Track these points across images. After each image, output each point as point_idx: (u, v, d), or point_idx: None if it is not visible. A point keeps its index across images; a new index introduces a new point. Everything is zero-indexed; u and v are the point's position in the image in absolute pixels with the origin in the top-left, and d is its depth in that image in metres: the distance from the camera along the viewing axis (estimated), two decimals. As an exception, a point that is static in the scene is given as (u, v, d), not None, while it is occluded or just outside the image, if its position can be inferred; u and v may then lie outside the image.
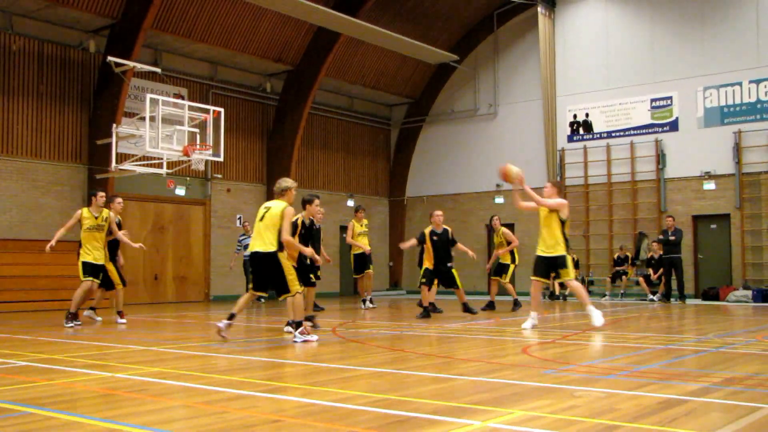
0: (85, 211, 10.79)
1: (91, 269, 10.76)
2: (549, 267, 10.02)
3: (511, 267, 14.55)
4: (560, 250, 9.83)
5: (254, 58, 19.61)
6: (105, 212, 10.90)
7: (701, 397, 4.73)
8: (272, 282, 8.27)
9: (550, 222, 9.90)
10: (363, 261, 15.04)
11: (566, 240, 9.99)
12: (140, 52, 16.43)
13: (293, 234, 9.87)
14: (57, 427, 3.97)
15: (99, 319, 11.55)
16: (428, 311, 12.39)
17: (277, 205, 8.29)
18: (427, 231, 12.72)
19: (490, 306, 14.28)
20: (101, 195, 10.92)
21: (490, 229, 22.96)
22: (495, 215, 15.14)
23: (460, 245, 13.00)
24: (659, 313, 13.78)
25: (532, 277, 10.15)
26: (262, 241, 8.20)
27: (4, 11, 15.58)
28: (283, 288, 8.21)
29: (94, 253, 10.76)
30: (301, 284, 9.21)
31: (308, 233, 10.17)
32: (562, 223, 9.94)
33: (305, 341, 8.17)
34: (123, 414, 4.35)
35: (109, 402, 4.78)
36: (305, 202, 9.93)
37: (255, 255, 8.27)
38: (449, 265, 12.62)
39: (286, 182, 8.56)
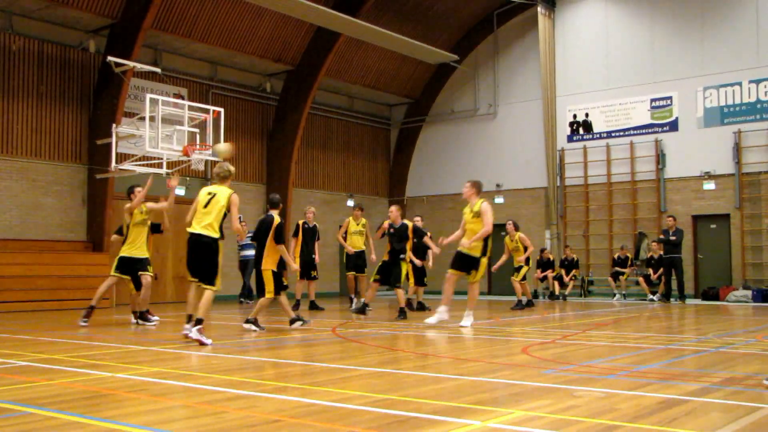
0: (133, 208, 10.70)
1: (127, 265, 10.63)
2: (464, 264, 10.13)
3: (525, 268, 15.09)
4: (476, 253, 10.02)
5: (254, 58, 19.61)
6: (144, 206, 10.84)
7: (701, 397, 4.73)
8: (202, 268, 8.12)
9: (474, 225, 10.09)
10: (349, 260, 14.43)
11: (486, 246, 10.03)
12: (140, 52, 16.43)
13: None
14: (57, 427, 3.97)
15: (156, 318, 11.26)
16: (365, 307, 12.34)
17: (222, 192, 8.21)
18: (386, 223, 12.81)
19: (529, 304, 14.98)
20: (138, 189, 10.86)
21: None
22: (510, 220, 15.35)
23: (426, 239, 13.03)
24: (659, 313, 13.79)
25: (450, 270, 10.30)
26: (207, 226, 8.08)
27: (4, 11, 15.57)
28: (210, 278, 8.07)
29: (136, 249, 10.67)
30: (276, 289, 9.59)
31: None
32: None
33: (199, 340, 7.83)
34: (123, 414, 4.35)
35: (109, 402, 4.78)
36: (279, 203, 10.04)
37: (198, 238, 8.09)
38: (401, 256, 12.39)
39: (230, 167, 8.43)
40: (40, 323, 11.55)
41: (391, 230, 12.53)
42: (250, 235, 15.81)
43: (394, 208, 12.88)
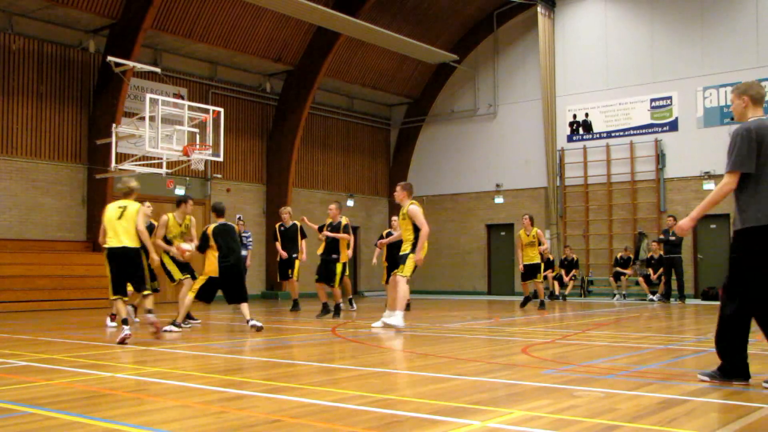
0: (171, 218, 10.54)
1: (184, 266, 10.72)
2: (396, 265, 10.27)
3: (542, 266, 14.81)
4: (406, 249, 10.03)
5: (254, 58, 19.61)
6: (187, 219, 10.71)
7: (701, 397, 4.73)
8: (133, 277, 8.61)
9: (405, 225, 10.13)
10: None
11: (415, 244, 9.94)
12: (140, 52, 16.43)
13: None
14: (57, 427, 3.97)
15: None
16: (328, 308, 12.25)
17: (132, 205, 8.58)
18: (327, 221, 12.88)
19: (525, 301, 14.71)
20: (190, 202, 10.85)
21: (486, 228, 22.94)
22: (526, 214, 15.07)
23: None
24: (659, 313, 13.78)
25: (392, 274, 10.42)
26: (129, 238, 8.45)
27: (4, 11, 15.57)
28: (142, 284, 8.74)
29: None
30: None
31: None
32: (415, 228, 9.97)
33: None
34: (123, 414, 4.35)
35: (109, 402, 4.78)
36: (222, 212, 10.12)
37: (123, 251, 8.41)
38: (334, 257, 12.43)
39: (131, 183, 8.79)
40: (40, 323, 11.55)
41: (328, 229, 12.58)
42: (247, 234, 15.74)
43: (333, 206, 12.83)
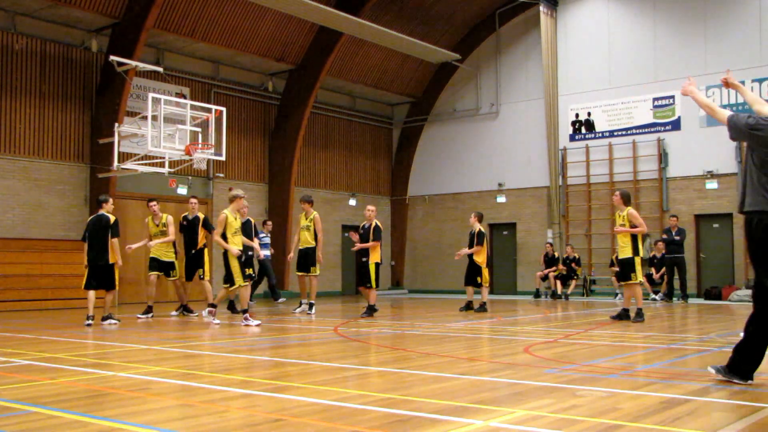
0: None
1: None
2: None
3: (637, 260, 10.96)
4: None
5: (256, 57, 19.61)
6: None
7: (703, 396, 4.73)
8: None
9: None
10: (304, 258, 13.09)
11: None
12: (142, 52, 16.43)
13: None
14: (59, 426, 3.98)
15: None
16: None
17: None
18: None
19: (639, 314, 11.05)
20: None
21: (489, 228, 22.87)
22: (617, 190, 11.56)
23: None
24: (661, 313, 13.77)
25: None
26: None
27: (7, 11, 15.59)
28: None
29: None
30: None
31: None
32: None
33: None
34: (125, 413, 4.35)
35: (111, 401, 4.79)
36: (100, 203, 11.22)
37: None
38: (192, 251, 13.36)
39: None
40: (43, 322, 11.56)
41: (184, 222, 13.25)
42: (263, 235, 15.88)
43: (194, 199, 13.31)
